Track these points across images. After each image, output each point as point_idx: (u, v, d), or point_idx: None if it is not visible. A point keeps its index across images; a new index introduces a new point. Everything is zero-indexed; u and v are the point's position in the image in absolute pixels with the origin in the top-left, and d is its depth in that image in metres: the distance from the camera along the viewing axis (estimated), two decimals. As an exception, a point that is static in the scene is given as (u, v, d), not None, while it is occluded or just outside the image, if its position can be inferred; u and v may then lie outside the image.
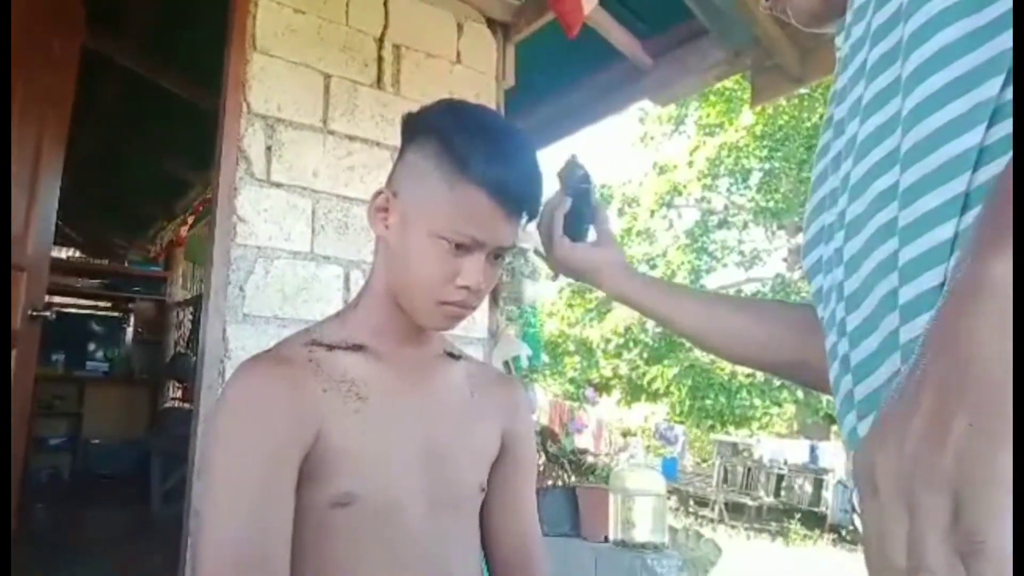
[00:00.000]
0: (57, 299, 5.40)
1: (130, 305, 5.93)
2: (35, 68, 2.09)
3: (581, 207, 0.92)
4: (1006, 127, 0.44)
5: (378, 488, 0.79)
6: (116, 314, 6.01)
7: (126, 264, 6.18)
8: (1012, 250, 0.34)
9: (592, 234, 0.94)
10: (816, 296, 0.65)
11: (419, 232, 0.79)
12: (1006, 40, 0.44)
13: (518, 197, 0.79)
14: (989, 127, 0.45)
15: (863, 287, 0.54)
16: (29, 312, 2.13)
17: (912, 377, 0.35)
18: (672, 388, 11.95)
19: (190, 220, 5.12)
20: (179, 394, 5.24)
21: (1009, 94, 0.44)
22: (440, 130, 0.80)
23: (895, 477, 0.33)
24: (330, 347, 0.83)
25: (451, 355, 0.95)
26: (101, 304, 6.01)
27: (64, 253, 6.47)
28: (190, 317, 5.30)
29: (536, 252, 0.97)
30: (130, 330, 5.90)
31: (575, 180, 0.92)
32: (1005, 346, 0.32)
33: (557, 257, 0.92)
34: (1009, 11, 0.45)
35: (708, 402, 11.42)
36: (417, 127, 0.83)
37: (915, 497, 0.32)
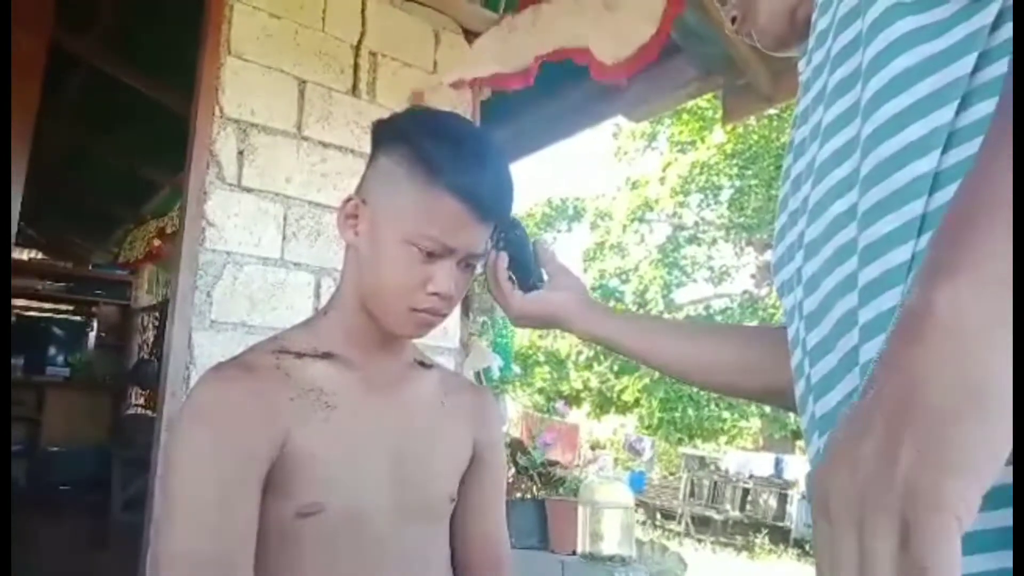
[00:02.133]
0: (18, 301, 5.27)
1: (93, 309, 5.80)
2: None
3: (521, 257, 0.90)
4: (961, 152, 0.46)
5: (346, 498, 0.78)
6: (79, 318, 5.88)
7: (90, 267, 6.05)
8: (957, 280, 0.34)
9: (544, 277, 0.92)
10: (786, 317, 0.66)
11: (389, 239, 0.79)
12: (962, 67, 0.46)
13: (488, 202, 0.79)
14: (944, 152, 0.46)
15: (822, 307, 0.55)
16: (-13, 314, 2.07)
17: (864, 402, 0.36)
18: (642, 399, 12.03)
19: (168, 230, 4.95)
20: (142, 401, 5.13)
21: (963, 120, 0.46)
22: (410, 136, 0.79)
23: (846, 502, 0.34)
24: (299, 355, 0.82)
25: (422, 364, 0.95)
26: (63, 307, 5.88)
27: (26, 255, 6.32)
28: (155, 323, 5.20)
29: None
30: (93, 335, 5.77)
31: (506, 233, 0.90)
32: (952, 374, 0.33)
33: (515, 314, 0.90)
34: (965, 38, 0.46)
35: (678, 414, 11.52)
36: (387, 134, 0.83)
37: (865, 523, 0.33)
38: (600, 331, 0.87)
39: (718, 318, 12.12)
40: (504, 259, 0.90)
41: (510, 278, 0.90)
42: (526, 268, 0.90)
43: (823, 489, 0.36)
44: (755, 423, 12.07)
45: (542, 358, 14.29)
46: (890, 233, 0.48)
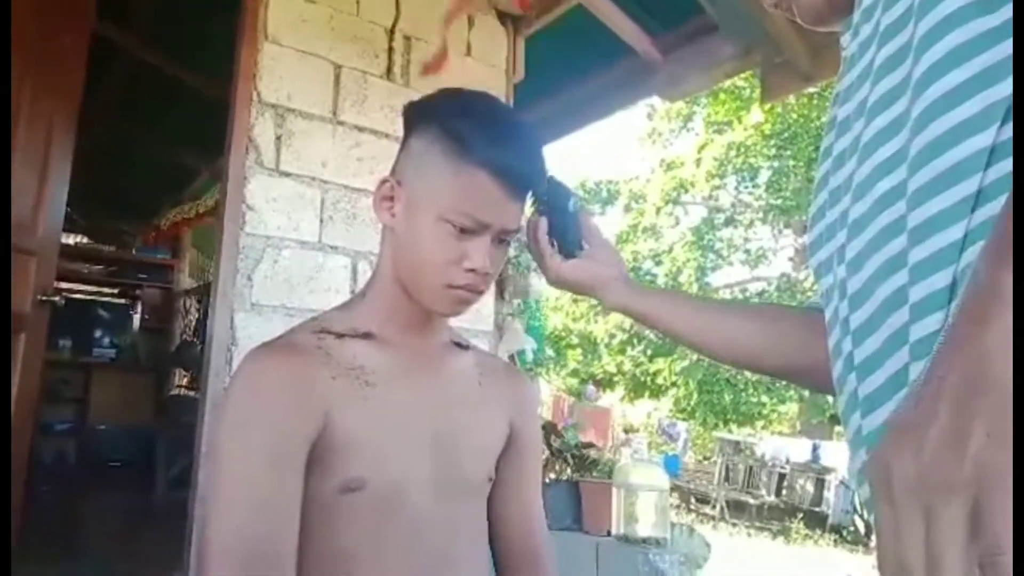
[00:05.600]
0: (65, 285, 5.40)
1: (137, 292, 5.94)
2: (46, 56, 2.10)
3: (563, 221, 0.90)
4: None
5: (385, 475, 0.79)
6: (123, 301, 6.02)
7: (133, 251, 6.19)
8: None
9: (585, 246, 0.92)
10: (824, 296, 0.65)
11: (424, 218, 0.80)
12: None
13: (520, 177, 0.80)
14: (1001, 126, 0.45)
15: (866, 286, 0.54)
16: (38, 297, 2.14)
17: (928, 384, 0.35)
18: (679, 382, 11.95)
19: (200, 208, 5.06)
20: (185, 382, 5.26)
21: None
22: (441, 116, 0.81)
23: (912, 485, 0.33)
24: (339, 335, 0.84)
25: (459, 345, 0.96)
26: (108, 291, 6.02)
27: (72, 239, 6.48)
28: (197, 305, 5.31)
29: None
30: (137, 317, 5.91)
31: (550, 196, 0.90)
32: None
33: (553, 277, 0.92)
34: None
35: (715, 397, 11.42)
36: (419, 115, 0.85)
37: (933, 506, 0.32)
38: (633, 305, 0.88)
39: (754, 301, 11.95)
40: (545, 222, 0.91)
41: (551, 241, 0.91)
42: (566, 232, 0.91)
43: (885, 472, 0.35)
44: (792, 408, 11.92)
45: (575, 340, 14.28)
46: (943, 211, 0.47)
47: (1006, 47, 0.45)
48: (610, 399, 13.17)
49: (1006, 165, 0.44)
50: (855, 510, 7.99)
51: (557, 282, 0.92)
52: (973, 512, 0.31)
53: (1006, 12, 0.45)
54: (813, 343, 0.75)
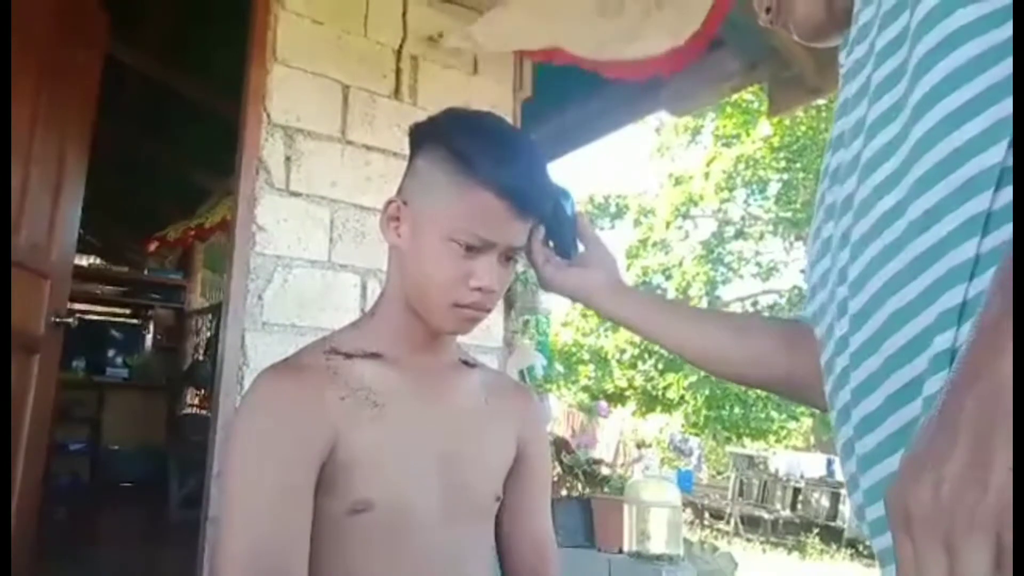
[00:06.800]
0: (78, 306, 5.44)
1: (149, 312, 5.98)
2: (60, 76, 2.12)
3: (559, 225, 0.90)
4: None
5: (394, 495, 0.79)
6: (135, 321, 6.06)
7: (146, 272, 6.24)
8: None
9: (580, 248, 0.92)
10: (818, 313, 0.64)
11: (431, 237, 0.81)
12: None
13: (525, 196, 0.80)
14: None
15: (868, 306, 0.53)
16: (52, 319, 2.16)
17: (945, 414, 0.34)
18: (688, 397, 11.86)
19: (207, 223, 5.08)
20: (197, 401, 5.27)
21: None
22: (446, 136, 0.82)
23: (933, 518, 0.33)
24: (348, 355, 0.84)
25: (466, 363, 0.96)
26: (121, 311, 6.06)
27: (85, 260, 6.53)
28: (208, 325, 5.34)
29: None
30: (149, 337, 5.94)
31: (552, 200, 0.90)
32: None
33: (546, 282, 0.91)
34: None
35: (724, 412, 11.33)
36: (424, 135, 0.85)
37: (955, 540, 0.31)
38: (622, 313, 0.87)
39: (765, 315, 11.86)
40: (541, 228, 0.89)
41: (548, 243, 0.91)
42: (563, 235, 0.91)
43: (903, 504, 0.34)
44: (805, 422, 11.80)
45: (586, 356, 14.22)
46: (951, 232, 0.46)
47: (1010, 64, 0.44)
48: (621, 414, 13.08)
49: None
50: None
51: (550, 287, 0.92)
52: (997, 546, 0.30)
53: (1008, 30, 0.45)
54: (793, 356, 0.75)
